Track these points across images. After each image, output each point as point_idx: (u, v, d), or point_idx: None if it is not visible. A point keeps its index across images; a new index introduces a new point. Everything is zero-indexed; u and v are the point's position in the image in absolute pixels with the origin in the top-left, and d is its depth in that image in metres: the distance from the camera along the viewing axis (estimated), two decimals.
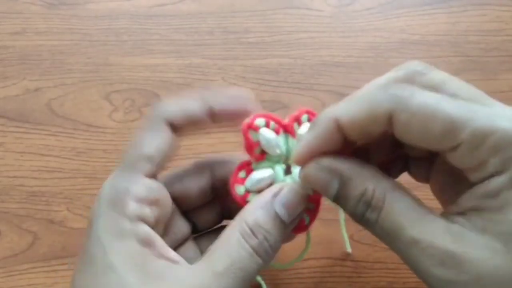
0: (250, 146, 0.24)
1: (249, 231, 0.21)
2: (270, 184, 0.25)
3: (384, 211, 0.20)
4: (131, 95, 0.42)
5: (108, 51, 0.43)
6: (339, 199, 0.21)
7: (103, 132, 0.41)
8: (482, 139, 0.17)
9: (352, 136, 0.20)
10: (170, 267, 0.21)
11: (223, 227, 0.29)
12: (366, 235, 0.37)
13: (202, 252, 0.27)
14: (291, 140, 0.25)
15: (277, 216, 0.22)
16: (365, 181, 0.20)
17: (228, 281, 0.20)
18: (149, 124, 0.23)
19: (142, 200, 0.22)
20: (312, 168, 0.21)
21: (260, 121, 0.24)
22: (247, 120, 0.24)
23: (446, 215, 0.20)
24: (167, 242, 0.23)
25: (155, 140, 0.23)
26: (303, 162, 0.22)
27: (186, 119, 0.24)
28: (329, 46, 0.43)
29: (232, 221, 0.22)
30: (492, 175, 0.18)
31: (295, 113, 0.26)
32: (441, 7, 0.44)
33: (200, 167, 0.26)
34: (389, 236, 0.20)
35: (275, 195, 0.22)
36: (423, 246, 0.18)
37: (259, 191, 0.24)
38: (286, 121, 0.25)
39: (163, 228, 0.24)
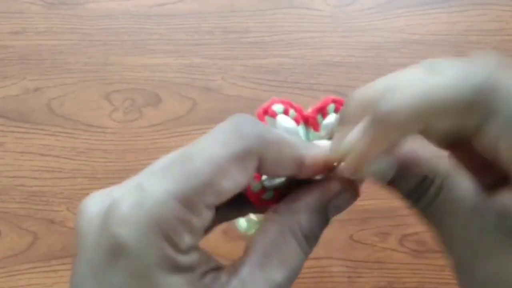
0: None
1: (304, 240, 0.19)
2: (288, 181, 0.22)
3: (437, 199, 0.19)
4: (131, 95, 0.42)
5: (108, 51, 0.43)
6: (393, 185, 0.20)
7: (103, 132, 0.41)
8: None
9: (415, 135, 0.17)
10: (218, 280, 0.18)
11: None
12: (366, 235, 0.37)
13: None
14: (312, 133, 0.22)
15: (327, 221, 0.20)
16: (423, 169, 0.19)
17: None
18: (239, 148, 0.18)
19: (197, 232, 0.18)
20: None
21: (278, 108, 0.21)
22: (263, 105, 0.21)
23: (498, 208, 0.18)
24: None
25: (238, 176, 0.18)
26: (355, 171, 0.18)
27: (276, 167, 0.19)
28: (329, 46, 0.43)
29: (278, 217, 0.20)
30: None
31: (319, 103, 0.22)
32: (441, 7, 0.44)
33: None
34: (435, 223, 0.19)
35: (331, 199, 0.20)
36: (468, 237, 0.18)
37: (276, 188, 0.22)
38: (308, 111, 0.22)
39: None
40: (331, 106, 0.22)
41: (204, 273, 0.18)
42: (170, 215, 0.17)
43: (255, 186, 0.21)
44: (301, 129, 0.22)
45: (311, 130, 0.22)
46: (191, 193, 0.17)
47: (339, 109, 0.22)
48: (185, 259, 0.17)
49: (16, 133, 0.41)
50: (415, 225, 0.37)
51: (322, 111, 0.22)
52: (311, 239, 0.19)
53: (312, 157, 0.19)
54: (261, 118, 0.21)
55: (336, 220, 0.35)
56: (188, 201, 0.17)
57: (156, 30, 0.44)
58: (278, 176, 0.21)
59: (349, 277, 0.36)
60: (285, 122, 0.21)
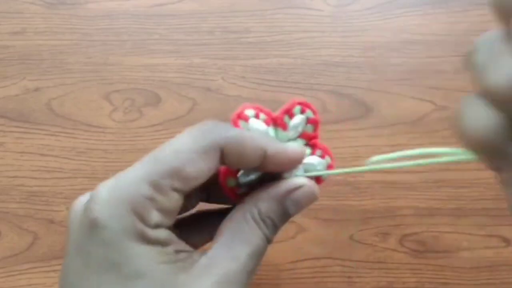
0: None
1: (261, 222, 0.22)
2: (260, 178, 0.25)
3: None
4: (131, 95, 0.42)
5: (108, 51, 0.43)
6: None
7: (103, 132, 0.41)
8: None
9: None
10: (191, 258, 0.21)
11: (198, 214, 0.28)
12: (366, 235, 0.37)
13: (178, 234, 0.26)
14: (280, 133, 0.25)
15: (287, 211, 0.23)
16: None
17: (250, 265, 0.21)
18: (203, 143, 0.21)
19: (165, 212, 0.21)
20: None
21: (250, 112, 0.24)
22: (236, 110, 0.24)
23: None
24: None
25: (202, 165, 0.21)
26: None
27: (238, 163, 0.22)
28: (329, 46, 0.43)
29: (242, 204, 0.23)
30: None
31: (286, 105, 0.25)
32: (441, 7, 0.44)
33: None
34: None
35: (290, 191, 0.23)
36: None
37: (250, 184, 0.24)
38: (276, 113, 0.25)
39: None
40: (297, 108, 0.24)
41: (178, 251, 0.21)
42: (139, 194, 0.20)
43: (230, 182, 0.24)
44: (270, 130, 0.24)
45: (280, 130, 0.24)
46: (159, 177, 0.20)
47: (305, 111, 0.24)
48: (153, 233, 0.20)
49: (16, 133, 0.41)
50: (415, 225, 0.37)
51: (289, 113, 0.24)
52: (268, 223, 0.22)
53: (274, 148, 0.22)
54: (235, 122, 0.24)
55: (336, 220, 0.35)
56: (156, 183, 0.20)
57: (156, 30, 0.44)
58: (245, 167, 0.23)
59: (349, 277, 0.36)
60: (257, 124, 0.24)
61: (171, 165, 0.20)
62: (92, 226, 0.20)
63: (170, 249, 0.21)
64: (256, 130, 0.24)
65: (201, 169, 0.21)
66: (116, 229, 0.20)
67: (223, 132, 0.21)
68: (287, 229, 0.37)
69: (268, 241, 0.23)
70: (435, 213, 0.37)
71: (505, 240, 0.37)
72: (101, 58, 0.43)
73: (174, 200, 0.21)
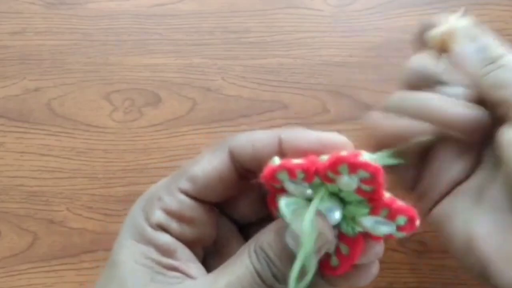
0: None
1: (253, 253, 0.20)
2: None
3: None
4: (131, 95, 0.42)
5: (108, 51, 0.43)
6: None
7: (103, 132, 0.41)
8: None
9: None
10: (178, 279, 0.21)
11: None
12: None
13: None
14: (331, 186, 0.20)
15: (286, 245, 0.20)
16: None
17: None
18: (213, 148, 0.23)
19: (170, 213, 0.22)
20: None
21: (283, 176, 0.20)
22: (264, 174, 0.20)
23: None
24: (221, 261, 0.22)
25: (207, 164, 0.22)
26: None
27: (253, 157, 0.22)
28: (329, 45, 0.43)
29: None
30: None
31: (327, 160, 0.20)
32: (441, 7, 0.44)
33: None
34: None
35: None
36: None
37: None
38: (321, 162, 0.20)
39: (201, 249, 0.24)
40: (343, 167, 0.19)
41: (174, 269, 0.21)
42: (152, 195, 0.23)
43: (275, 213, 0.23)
44: (316, 186, 0.20)
45: (328, 185, 0.20)
46: (170, 180, 0.23)
47: (355, 171, 0.19)
48: (153, 233, 0.21)
49: (16, 133, 0.41)
50: None
51: (333, 170, 0.19)
52: (260, 254, 0.20)
53: (289, 132, 0.22)
54: (268, 185, 0.21)
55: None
56: (167, 185, 0.23)
57: (156, 30, 0.44)
58: (262, 157, 0.21)
59: None
60: (295, 188, 0.21)
61: (182, 169, 0.23)
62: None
63: (167, 262, 0.21)
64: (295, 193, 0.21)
65: (206, 167, 0.22)
66: (124, 226, 0.22)
67: (230, 137, 0.23)
68: None
69: (264, 279, 0.19)
70: None
71: None
72: (101, 58, 0.43)
73: (180, 201, 0.22)
